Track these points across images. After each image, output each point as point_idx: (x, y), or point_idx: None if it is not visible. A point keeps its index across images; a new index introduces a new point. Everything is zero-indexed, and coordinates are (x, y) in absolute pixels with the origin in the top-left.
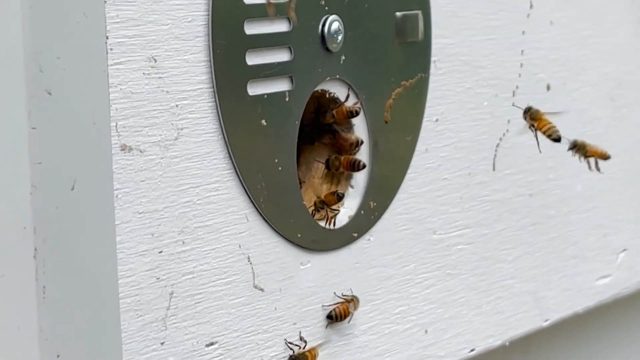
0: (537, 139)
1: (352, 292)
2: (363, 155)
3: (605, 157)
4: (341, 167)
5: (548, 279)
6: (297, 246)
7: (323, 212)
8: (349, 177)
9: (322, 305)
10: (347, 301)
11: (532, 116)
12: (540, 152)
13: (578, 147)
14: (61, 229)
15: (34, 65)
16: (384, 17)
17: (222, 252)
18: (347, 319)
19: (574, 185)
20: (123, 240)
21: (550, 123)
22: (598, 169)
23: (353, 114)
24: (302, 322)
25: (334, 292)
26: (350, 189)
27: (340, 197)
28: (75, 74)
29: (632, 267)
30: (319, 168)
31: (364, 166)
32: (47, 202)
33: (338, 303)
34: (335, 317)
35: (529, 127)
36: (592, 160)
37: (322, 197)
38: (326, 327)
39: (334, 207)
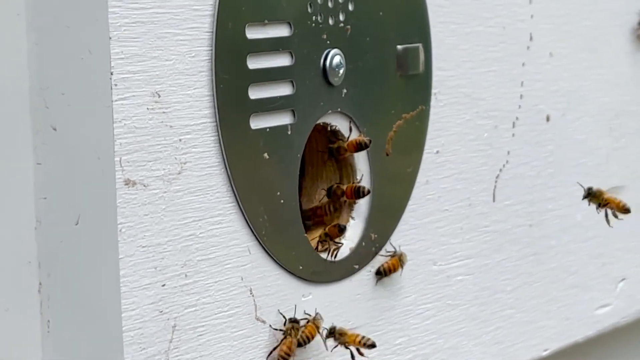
0: (607, 215)
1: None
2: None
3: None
4: (344, 196)
5: (548, 308)
6: (299, 278)
7: (326, 245)
8: (351, 207)
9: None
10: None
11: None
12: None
13: (593, 196)
14: (65, 264)
15: (39, 101)
16: (385, 50)
17: (224, 285)
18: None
19: (574, 215)
20: (127, 274)
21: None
22: (614, 217)
23: (362, 145)
24: (303, 353)
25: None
26: (351, 221)
27: (342, 229)
28: (80, 110)
29: (632, 295)
30: (320, 201)
31: (369, 192)
32: (51, 237)
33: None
34: (384, 272)
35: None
36: (609, 210)
37: (326, 229)
38: (376, 284)
39: (337, 239)
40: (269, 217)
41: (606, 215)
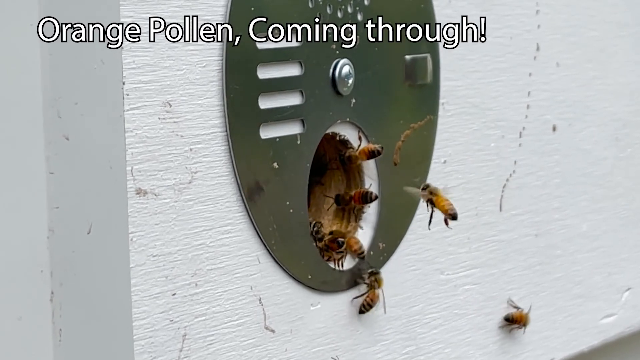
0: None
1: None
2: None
3: (451, 214)
4: (352, 201)
5: (554, 318)
6: (308, 287)
7: (328, 254)
8: (360, 214)
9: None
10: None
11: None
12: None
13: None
14: (77, 272)
15: (52, 110)
16: (394, 60)
17: (234, 294)
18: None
19: (580, 225)
20: (137, 283)
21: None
22: (446, 223)
23: (375, 153)
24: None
25: None
26: (359, 230)
27: (340, 245)
28: (92, 120)
29: (636, 305)
30: (328, 209)
31: (376, 197)
32: (63, 246)
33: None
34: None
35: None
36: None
37: (326, 241)
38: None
39: (337, 251)
40: (278, 227)
41: (430, 219)
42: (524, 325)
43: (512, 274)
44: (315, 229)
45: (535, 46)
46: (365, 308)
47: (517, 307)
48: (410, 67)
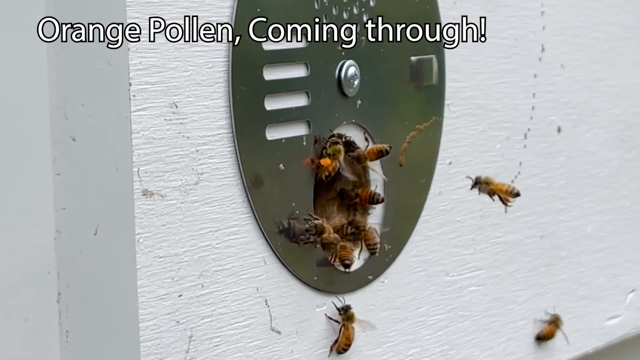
0: (502, 201)
1: None
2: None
3: (512, 193)
4: (358, 199)
5: None
6: (313, 289)
7: (337, 262)
8: (365, 214)
9: None
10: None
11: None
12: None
13: (481, 184)
14: (84, 274)
15: (59, 112)
16: (399, 61)
17: (240, 296)
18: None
19: (585, 227)
20: (144, 284)
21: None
22: (505, 204)
23: (383, 153)
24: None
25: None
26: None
27: (346, 266)
28: (99, 121)
29: None
30: (333, 210)
31: (383, 200)
32: (70, 247)
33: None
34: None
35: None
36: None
37: (338, 254)
38: None
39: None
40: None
41: (501, 201)
42: (559, 328)
43: (517, 275)
44: (308, 225)
45: (540, 47)
46: (374, 249)
47: (545, 322)
48: (416, 69)
